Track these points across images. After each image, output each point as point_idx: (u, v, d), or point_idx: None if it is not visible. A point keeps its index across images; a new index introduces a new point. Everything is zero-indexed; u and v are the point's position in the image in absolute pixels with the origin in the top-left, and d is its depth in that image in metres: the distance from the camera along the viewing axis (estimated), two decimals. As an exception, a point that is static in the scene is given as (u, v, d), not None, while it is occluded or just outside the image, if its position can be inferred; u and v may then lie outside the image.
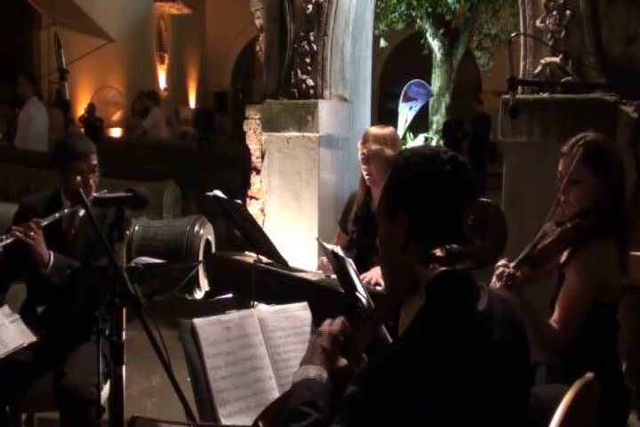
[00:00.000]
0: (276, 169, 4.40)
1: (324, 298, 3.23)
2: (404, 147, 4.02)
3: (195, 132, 15.28)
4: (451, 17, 10.61)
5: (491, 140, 10.35)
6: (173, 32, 16.93)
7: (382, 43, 10.49)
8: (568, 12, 3.19)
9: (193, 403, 1.75)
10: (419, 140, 10.18)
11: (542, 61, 3.25)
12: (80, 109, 12.54)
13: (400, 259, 1.39)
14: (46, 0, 11.68)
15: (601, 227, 2.27)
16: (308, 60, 4.25)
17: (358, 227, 3.30)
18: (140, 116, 11.30)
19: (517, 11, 3.75)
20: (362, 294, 2.57)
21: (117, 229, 2.13)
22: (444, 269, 1.32)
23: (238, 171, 7.07)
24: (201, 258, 4.59)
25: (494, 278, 2.27)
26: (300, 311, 1.98)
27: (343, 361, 1.34)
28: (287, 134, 4.31)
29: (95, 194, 2.77)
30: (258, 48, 4.63)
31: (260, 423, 1.47)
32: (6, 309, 2.60)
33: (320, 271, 3.59)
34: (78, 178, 2.79)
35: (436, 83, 11.21)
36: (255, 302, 3.37)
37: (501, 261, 2.27)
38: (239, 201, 3.22)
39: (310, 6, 4.19)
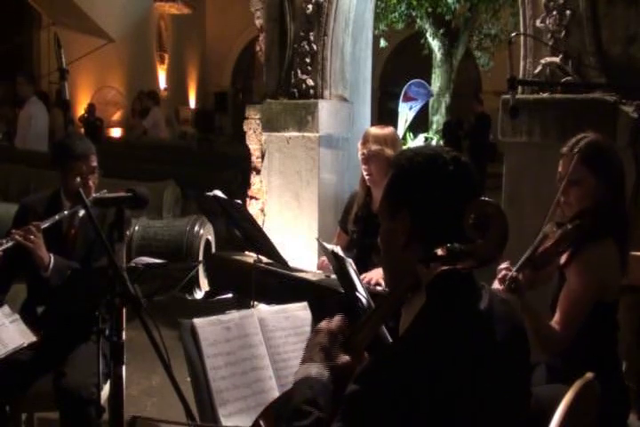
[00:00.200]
0: (275, 169, 4.40)
1: (324, 298, 3.23)
2: (404, 147, 4.02)
3: (195, 132, 15.28)
4: (451, 17, 10.61)
5: (491, 140, 10.35)
6: (173, 32, 16.92)
7: (382, 43, 10.50)
8: (568, 12, 3.19)
9: (193, 403, 1.75)
10: (419, 141, 10.19)
11: (542, 61, 3.25)
12: (80, 109, 12.53)
13: (401, 258, 1.40)
14: (46, 0, 11.68)
15: (601, 227, 2.26)
16: (307, 60, 4.25)
17: (358, 227, 3.30)
18: (140, 116, 11.30)
19: (517, 11, 3.75)
20: (362, 294, 2.57)
21: (117, 229, 2.13)
22: (445, 268, 1.32)
23: (238, 171, 7.07)
24: (201, 258, 4.59)
25: (496, 282, 2.27)
26: (300, 311, 1.98)
27: (344, 359, 1.34)
28: (287, 134, 4.31)
29: (95, 194, 2.77)
30: (258, 48, 4.63)
31: (261, 423, 1.47)
32: (6, 309, 2.60)
33: (320, 271, 3.59)
34: (78, 179, 2.79)
35: (436, 83, 11.22)
36: (255, 302, 3.37)
37: (503, 265, 2.27)
38: (239, 201, 3.21)
39: (310, 6, 4.19)
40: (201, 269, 4.45)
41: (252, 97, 5.18)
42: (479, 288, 1.37)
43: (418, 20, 10.82)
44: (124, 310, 2.13)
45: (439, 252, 1.28)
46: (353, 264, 2.68)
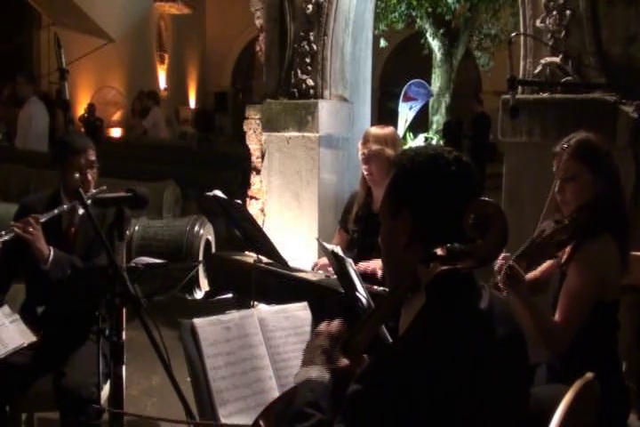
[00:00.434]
0: (276, 169, 4.40)
1: (324, 298, 3.23)
2: (404, 147, 4.02)
3: (195, 132, 15.28)
4: (451, 17, 10.61)
5: (491, 140, 10.35)
6: (173, 32, 16.92)
7: (382, 43, 10.50)
8: (568, 12, 3.19)
9: (193, 403, 1.75)
10: (419, 140, 10.18)
11: (542, 61, 3.25)
12: (80, 109, 12.54)
13: (402, 258, 1.40)
14: (46, 0, 11.68)
15: (599, 222, 2.27)
16: (307, 60, 4.25)
17: (359, 227, 3.30)
18: (140, 116, 11.30)
19: (517, 11, 3.75)
20: (362, 293, 2.56)
21: (117, 228, 2.13)
22: (444, 268, 1.32)
23: (238, 171, 7.07)
24: (201, 258, 4.59)
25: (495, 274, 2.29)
26: (300, 311, 1.98)
27: (344, 361, 1.34)
28: (287, 134, 4.31)
29: (94, 190, 2.78)
30: (258, 48, 4.63)
31: (261, 423, 1.47)
32: (6, 309, 2.60)
33: (320, 271, 3.58)
34: (77, 175, 2.80)
35: (436, 83, 11.21)
36: (255, 302, 3.37)
37: (500, 257, 2.28)
38: (239, 201, 3.21)
39: (310, 6, 4.20)
40: (201, 269, 4.45)
41: (251, 97, 5.17)
42: (479, 288, 1.37)
43: (418, 20, 10.82)
44: (124, 310, 2.14)
45: (439, 252, 1.28)
46: (353, 264, 2.68)
